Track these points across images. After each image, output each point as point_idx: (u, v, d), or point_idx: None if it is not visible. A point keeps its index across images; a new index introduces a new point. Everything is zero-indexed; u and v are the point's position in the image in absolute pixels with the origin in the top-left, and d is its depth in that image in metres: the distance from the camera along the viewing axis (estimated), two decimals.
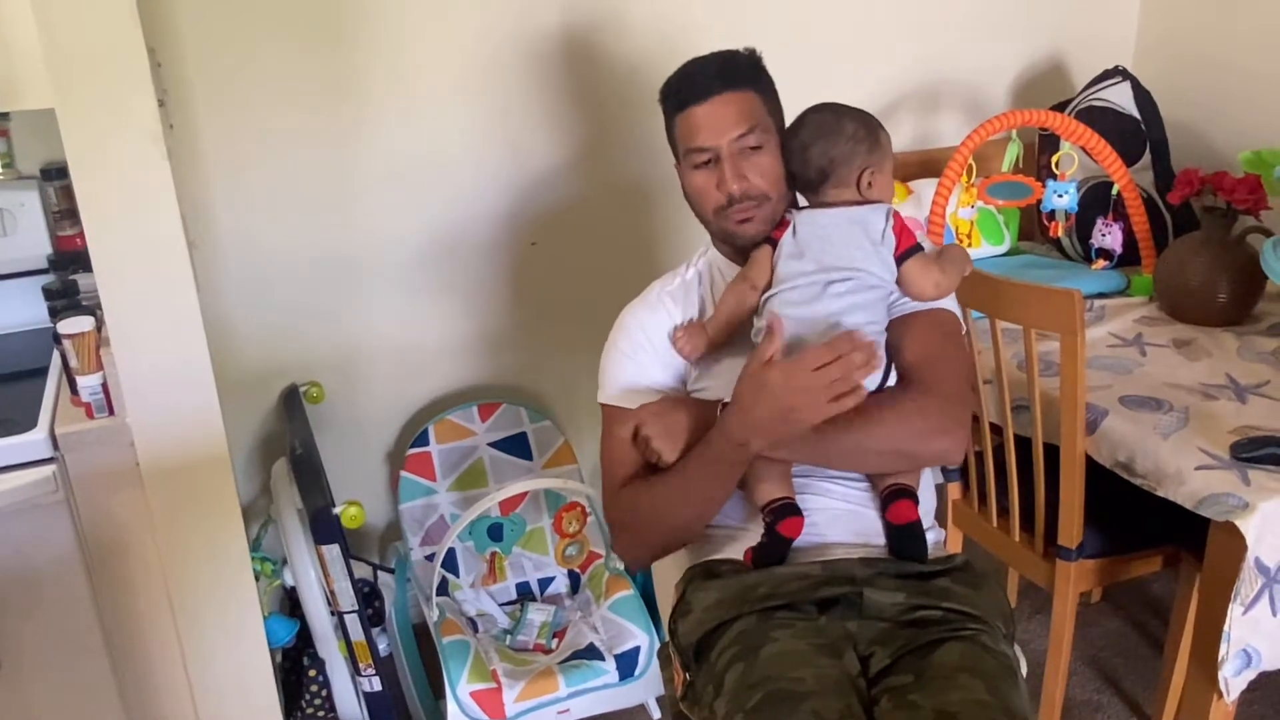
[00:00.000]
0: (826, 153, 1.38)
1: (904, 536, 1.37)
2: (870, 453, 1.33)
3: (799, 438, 1.30)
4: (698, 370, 1.47)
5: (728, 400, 1.35)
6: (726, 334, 1.43)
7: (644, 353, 1.47)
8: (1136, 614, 2.37)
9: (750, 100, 1.39)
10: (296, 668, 1.95)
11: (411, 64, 2.06)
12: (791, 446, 1.32)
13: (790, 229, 1.39)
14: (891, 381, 1.36)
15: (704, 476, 1.36)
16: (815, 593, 1.33)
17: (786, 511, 1.35)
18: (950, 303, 1.44)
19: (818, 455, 1.35)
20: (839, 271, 1.34)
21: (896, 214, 1.39)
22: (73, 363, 1.53)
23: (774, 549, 1.36)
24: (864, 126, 1.40)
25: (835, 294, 1.33)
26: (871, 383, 1.31)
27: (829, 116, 1.40)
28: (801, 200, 1.46)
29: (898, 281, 1.38)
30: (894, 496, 1.37)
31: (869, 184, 1.39)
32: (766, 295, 1.38)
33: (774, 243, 1.40)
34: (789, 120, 1.45)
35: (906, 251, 1.37)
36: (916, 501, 1.38)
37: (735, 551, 1.43)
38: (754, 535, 1.43)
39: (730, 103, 1.38)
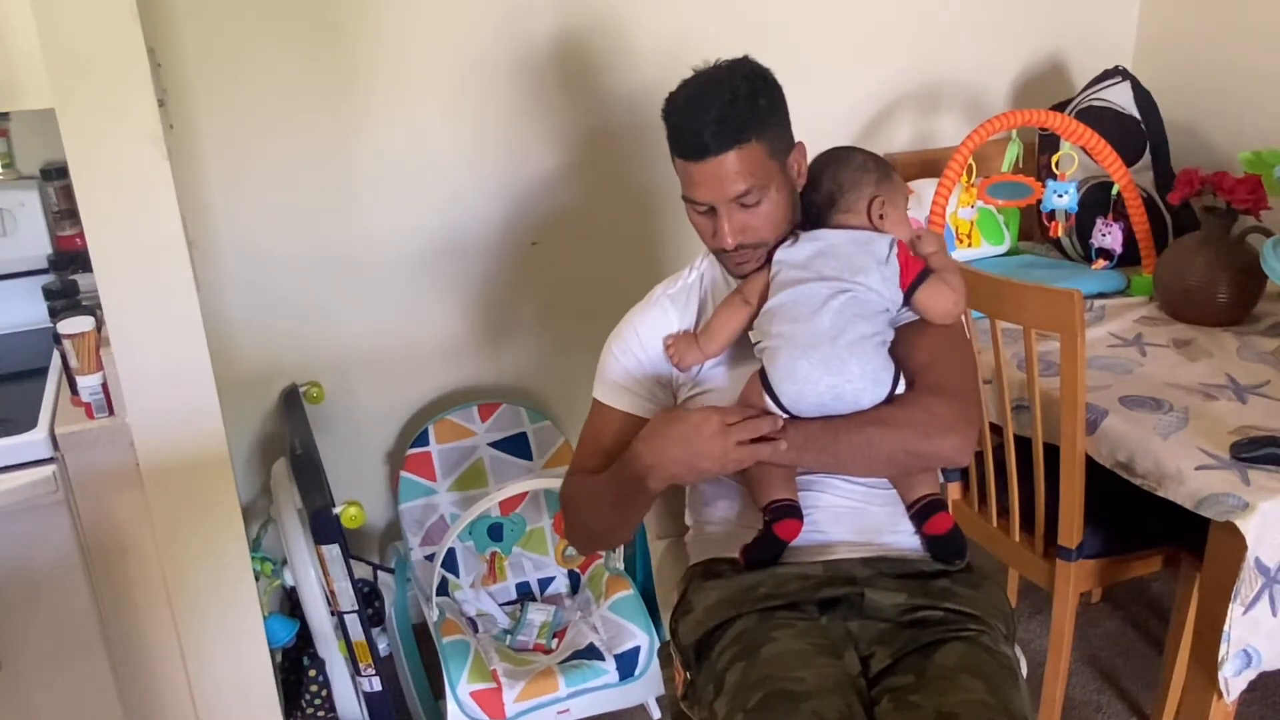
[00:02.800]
0: (835, 178, 1.40)
1: (944, 545, 1.39)
2: (879, 454, 1.32)
3: (806, 440, 1.31)
4: (691, 379, 1.47)
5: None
6: (718, 348, 1.43)
7: (632, 354, 1.48)
8: (1136, 614, 2.37)
9: (749, 154, 1.32)
10: (296, 668, 1.95)
11: (412, 64, 2.06)
12: (800, 450, 1.32)
13: (789, 241, 1.39)
14: (899, 391, 1.35)
15: (613, 491, 1.41)
16: (816, 593, 1.33)
17: (786, 513, 1.35)
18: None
19: (826, 458, 1.35)
20: (838, 283, 1.33)
21: (900, 243, 1.38)
22: (73, 363, 1.53)
23: (768, 548, 1.37)
24: (873, 159, 1.41)
25: (834, 309, 1.32)
26: (880, 393, 1.32)
27: (839, 150, 1.43)
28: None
29: (916, 309, 1.38)
30: (929, 510, 1.39)
31: (880, 215, 1.39)
32: (766, 308, 1.37)
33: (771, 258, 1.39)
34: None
35: (917, 278, 1.35)
36: (947, 507, 1.40)
37: (736, 551, 1.42)
38: (754, 534, 1.43)
39: (727, 162, 1.32)
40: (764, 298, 1.38)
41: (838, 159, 1.42)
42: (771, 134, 1.35)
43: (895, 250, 1.36)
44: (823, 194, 1.40)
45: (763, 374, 1.34)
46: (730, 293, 1.43)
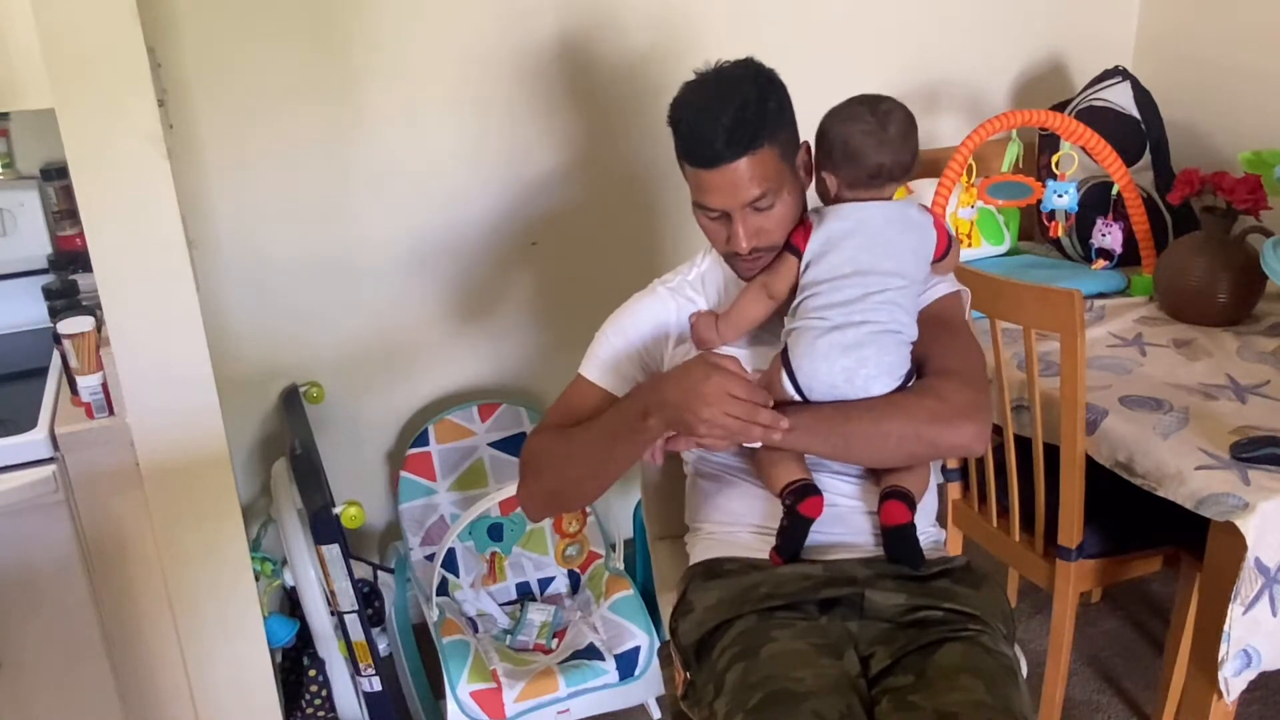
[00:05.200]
0: (912, 145, 1.35)
1: (895, 538, 1.35)
2: (889, 438, 1.30)
3: (816, 421, 1.30)
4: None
5: None
6: (734, 336, 1.43)
7: (624, 336, 1.48)
8: (1136, 614, 2.37)
9: (762, 160, 1.31)
10: (296, 668, 1.95)
11: (411, 64, 2.06)
12: (809, 431, 1.30)
13: (817, 230, 1.36)
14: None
15: (605, 433, 1.37)
16: (816, 593, 1.33)
17: (806, 491, 1.34)
18: (955, 284, 1.45)
19: (836, 441, 1.32)
20: (877, 278, 1.32)
21: (933, 211, 1.38)
22: (73, 363, 1.53)
23: (795, 530, 1.35)
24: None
25: (874, 304, 1.31)
26: (892, 384, 1.31)
27: (895, 105, 1.35)
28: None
29: (935, 270, 1.39)
30: (887, 497, 1.36)
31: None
32: (800, 299, 1.36)
33: (793, 249, 1.37)
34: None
35: (948, 246, 1.37)
36: (912, 506, 1.36)
37: (736, 551, 1.43)
38: (753, 534, 1.43)
39: (740, 169, 1.30)
40: (785, 288, 1.37)
41: (908, 119, 1.35)
42: (782, 137, 1.34)
43: (931, 218, 1.35)
44: (909, 154, 1.34)
45: (785, 354, 1.34)
46: (754, 282, 1.41)
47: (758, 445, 1.31)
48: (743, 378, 1.27)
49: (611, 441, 1.36)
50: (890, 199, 1.37)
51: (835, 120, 1.37)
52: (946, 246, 1.38)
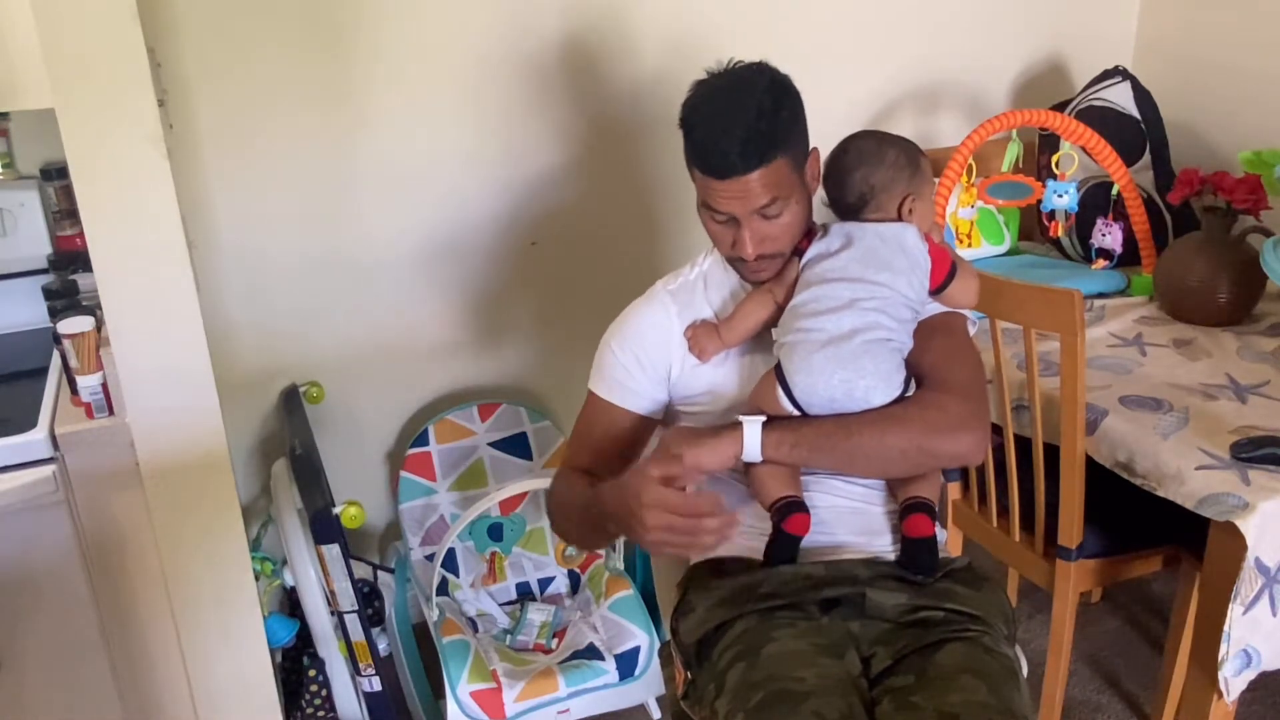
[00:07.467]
0: (868, 179, 1.38)
1: (917, 550, 1.36)
2: (891, 451, 1.30)
3: (819, 437, 1.30)
4: (701, 389, 1.46)
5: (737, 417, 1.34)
6: (739, 339, 1.43)
7: (629, 349, 1.47)
8: (1136, 614, 2.37)
9: (775, 170, 1.31)
10: (296, 668, 1.95)
11: (412, 63, 2.06)
12: (811, 448, 1.31)
13: (820, 237, 1.39)
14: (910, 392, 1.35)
15: (588, 520, 1.42)
16: (818, 593, 1.33)
17: (792, 509, 1.35)
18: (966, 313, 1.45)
19: (839, 455, 1.32)
20: (867, 285, 1.33)
21: (929, 237, 1.39)
22: (73, 363, 1.53)
23: (784, 547, 1.36)
24: (905, 154, 1.40)
25: (857, 311, 1.32)
26: (892, 393, 1.31)
27: (871, 143, 1.40)
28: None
29: (946, 302, 1.40)
30: (912, 509, 1.37)
31: (909, 211, 1.40)
32: (792, 305, 1.37)
33: (801, 252, 1.40)
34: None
35: (949, 274, 1.38)
36: (934, 518, 1.37)
37: (737, 550, 1.43)
38: (756, 534, 1.43)
39: (753, 180, 1.30)
40: (790, 295, 1.38)
41: (869, 158, 1.39)
42: (794, 148, 1.34)
43: (926, 246, 1.37)
44: (854, 195, 1.39)
45: (778, 369, 1.34)
46: (760, 288, 1.42)
47: (759, 460, 1.33)
48: (678, 495, 1.23)
49: (595, 532, 1.43)
50: (884, 219, 1.40)
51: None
52: (947, 273, 1.38)
